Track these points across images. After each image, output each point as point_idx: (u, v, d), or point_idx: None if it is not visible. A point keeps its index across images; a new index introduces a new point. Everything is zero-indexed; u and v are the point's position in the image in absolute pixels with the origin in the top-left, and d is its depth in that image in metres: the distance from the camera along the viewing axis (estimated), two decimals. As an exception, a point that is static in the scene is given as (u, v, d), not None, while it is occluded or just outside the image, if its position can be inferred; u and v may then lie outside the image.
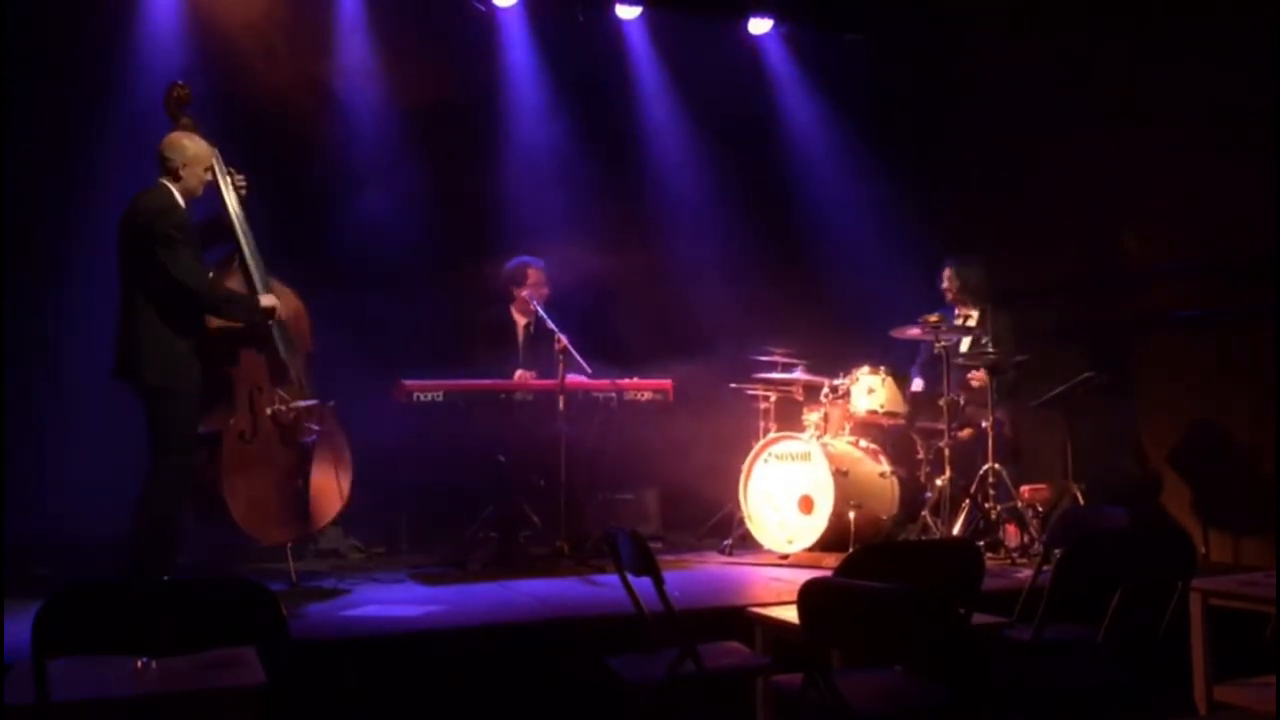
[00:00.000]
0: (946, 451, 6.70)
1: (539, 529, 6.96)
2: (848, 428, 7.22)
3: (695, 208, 8.50)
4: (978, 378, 7.08)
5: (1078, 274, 7.84)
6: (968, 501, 6.72)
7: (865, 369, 7.13)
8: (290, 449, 5.72)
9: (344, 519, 6.46)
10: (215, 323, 5.46)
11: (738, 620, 4.73)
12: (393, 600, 5.55)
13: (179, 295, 5.21)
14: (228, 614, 2.77)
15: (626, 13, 8.33)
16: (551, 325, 6.78)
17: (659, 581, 3.65)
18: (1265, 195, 6.42)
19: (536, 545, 6.87)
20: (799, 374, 7.28)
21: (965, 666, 2.83)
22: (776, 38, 8.77)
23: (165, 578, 4.85)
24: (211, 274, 5.56)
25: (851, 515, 6.69)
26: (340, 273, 7.03)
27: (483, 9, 7.87)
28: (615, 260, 7.73)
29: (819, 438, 7.02)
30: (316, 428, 5.73)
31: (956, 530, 6.64)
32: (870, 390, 7.10)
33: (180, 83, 5.74)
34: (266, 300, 5.61)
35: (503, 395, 6.75)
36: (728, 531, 7.23)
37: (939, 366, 6.94)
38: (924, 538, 6.61)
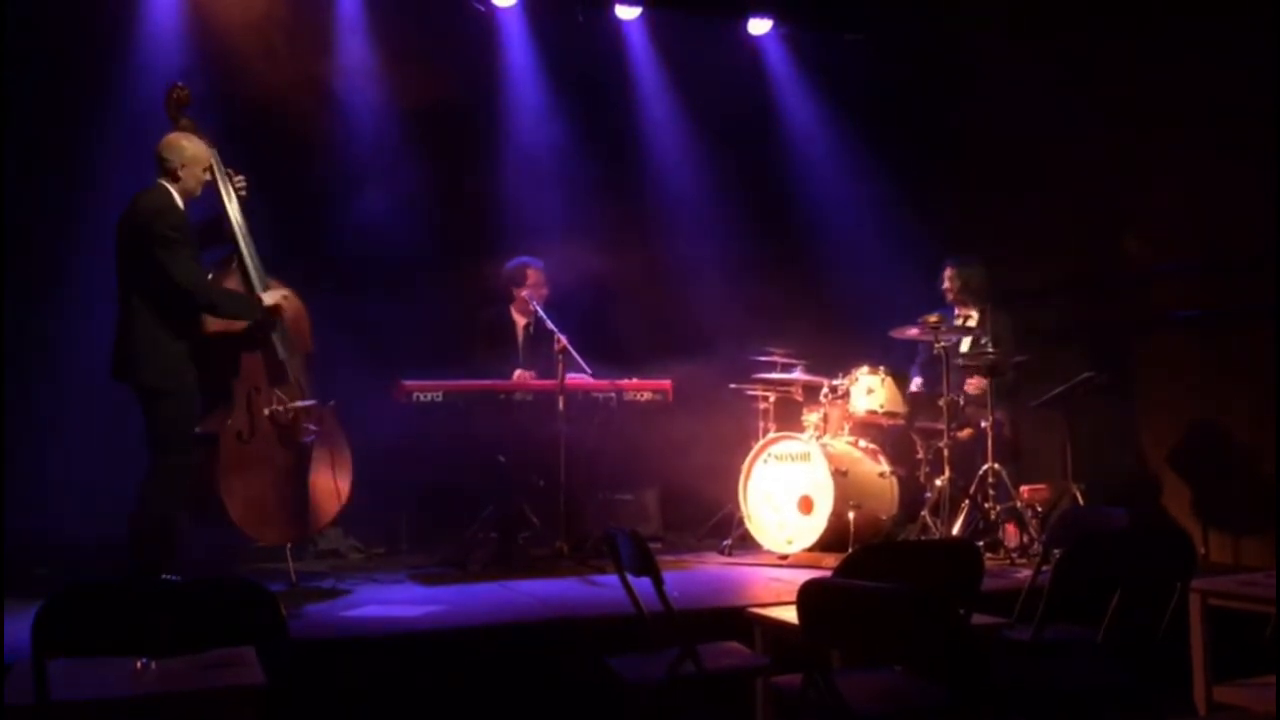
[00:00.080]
0: (946, 452, 6.70)
1: (539, 529, 6.96)
2: (847, 428, 7.22)
3: (695, 208, 8.50)
4: (974, 384, 7.08)
5: (1078, 274, 7.84)
6: (967, 502, 6.72)
7: (864, 369, 7.13)
8: (288, 449, 5.73)
9: (344, 519, 6.47)
10: (214, 324, 5.46)
11: (737, 620, 4.73)
12: (392, 600, 5.55)
13: (177, 296, 5.22)
14: (227, 614, 2.77)
15: (626, 13, 8.32)
16: (551, 325, 6.78)
17: (658, 582, 3.65)
18: (1265, 195, 6.42)
19: (536, 545, 6.87)
20: (798, 374, 7.28)
21: (965, 667, 2.83)
22: (776, 38, 8.77)
23: (165, 578, 4.86)
24: (210, 275, 5.57)
25: (851, 515, 6.69)
26: (340, 273, 7.04)
27: (482, 9, 7.87)
28: (615, 260, 7.73)
29: (818, 438, 7.03)
30: (314, 428, 5.73)
31: (956, 530, 6.64)
32: (870, 390, 7.09)
33: (180, 84, 5.75)
34: (269, 298, 5.62)
35: (502, 395, 6.75)
36: (727, 532, 7.23)
37: (938, 366, 6.94)
38: (923, 538, 6.61)
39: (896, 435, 7.35)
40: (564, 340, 6.66)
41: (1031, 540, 6.53)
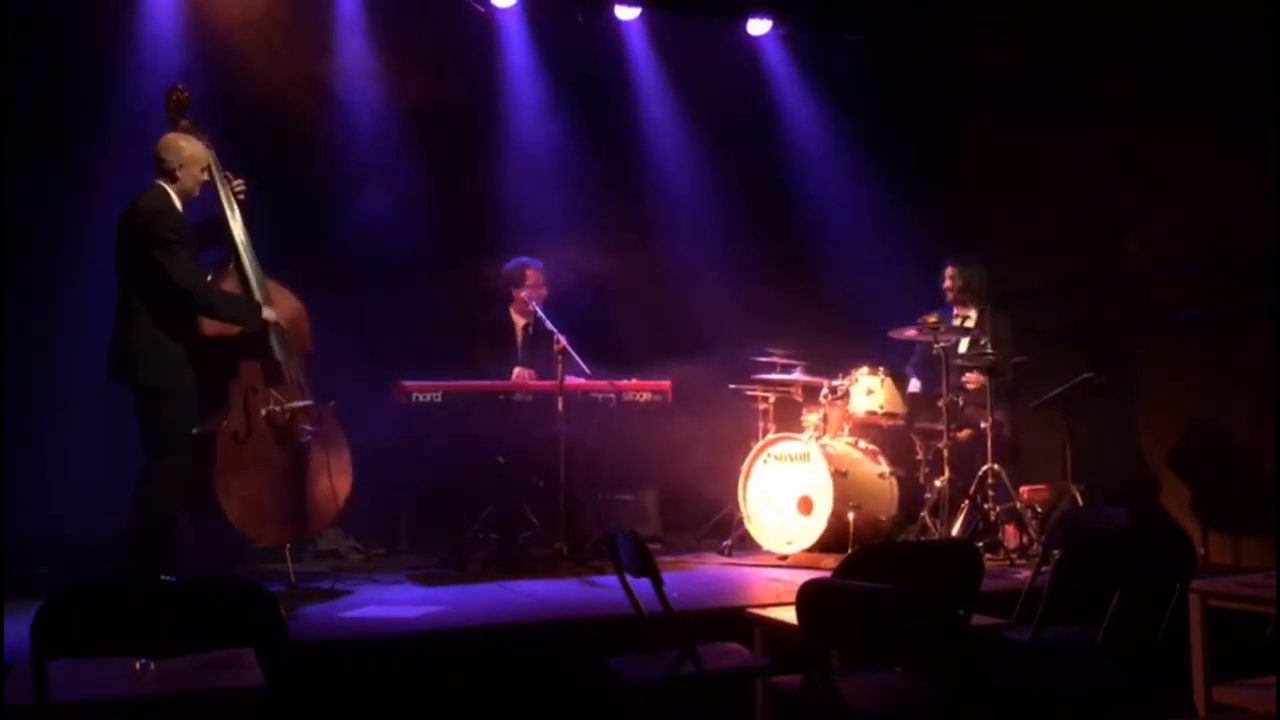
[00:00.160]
0: (945, 452, 6.71)
1: (538, 530, 6.96)
2: (847, 428, 7.22)
3: (694, 208, 8.50)
4: (973, 380, 7.08)
5: (1078, 274, 7.84)
6: (967, 502, 6.72)
7: (864, 370, 7.13)
8: (286, 450, 5.73)
9: (343, 520, 6.48)
10: (211, 325, 5.46)
11: (737, 621, 4.73)
12: (392, 601, 5.55)
13: (176, 296, 5.23)
14: (227, 615, 2.77)
15: (625, 13, 8.32)
16: (550, 326, 6.78)
17: (658, 582, 3.65)
18: (1265, 195, 6.42)
19: (536, 546, 6.87)
20: (798, 375, 7.28)
21: (965, 667, 2.83)
22: (775, 38, 8.77)
23: (164, 578, 4.86)
24: (209, 276, 5.58)
25: (850, 516, 6.69)
26: (340, 273, 7.04)
27: (481, 10, 7.86)
28: (614, 261, 7.73)
29: (818, 438, 7.03)
30: (311, 428, 5.73)
31: (956, 531, 6.64)
32: (869, 391, 7.09)
33: (180, 85, 5.77)
34: (268, 314, 5.63)
35: (502, 396, 6.75)
36: (727, 532, 7.23)
37: (935, 366, 6.95)
38: (923, 538, 6.61)
39: (896, 436, 7.35)
40: (563, 341, 6.66)
41: (1031, 541, 6.53)
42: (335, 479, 5.84)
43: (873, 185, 8.50)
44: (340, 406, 6.00)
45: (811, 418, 7.21)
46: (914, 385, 7.49)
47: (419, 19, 7.65)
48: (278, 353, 5.74)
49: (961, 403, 7.02)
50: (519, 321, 7.30)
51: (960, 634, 2.84)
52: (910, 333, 6.93)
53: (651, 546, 3.83)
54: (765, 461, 7.11)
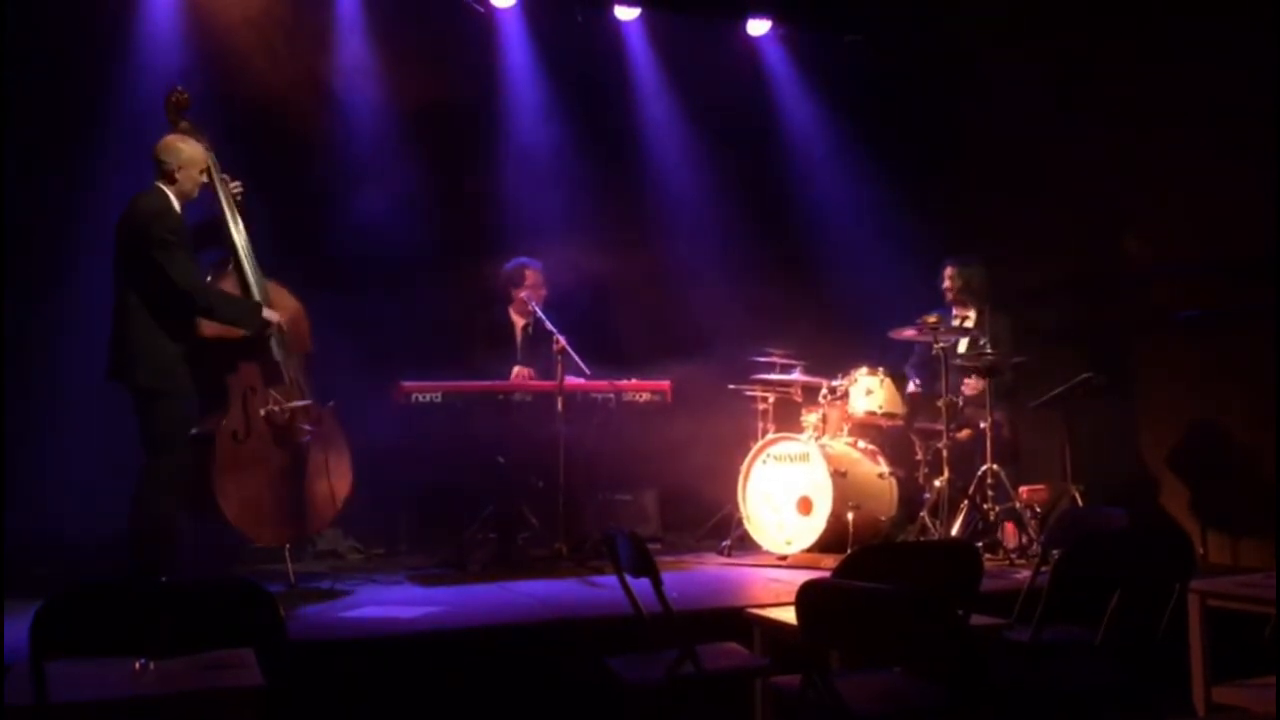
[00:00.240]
0: (945, 452, 6.71)
1: (538, 530, 6.96)
2: (846, 429, 7.22)
3: (694, 208, 8.49)
4: (971, 385, 7.08)
5: (1078, 274, 7.84)
6: (966, 502, 6.72)
7: (863, 370, 7.14)
8: (285, 450, 5.73)
9: (343, 520, 6.48)
10: (210, 326, 5.47)
11: (736, 621, 4.73)
12: (391, 601, 5.55)
13: (174, 298, 5.24)
14: (226, 615, 2.77)
15: (625, 14, 8.32)
16: (550, 326, 6.77)
17: (657, 582, 3.65)
18: (1265, 195, 6.42)
19: (535, 546, 6.87)
20: (797, 375, 7.29)
21: (964, 667, 2.83)
22: (775, 38, 8.77)
23: (163, 579, 4.86)
24: (208, 277, 5.59)
25: (850, 516, 6.69)
26: (339, 273, 7.03)
27: (481, 10, 7.86)
28: (614, 261, 7.74)
29: (817, 439, 7.03)
30: (310, 428, 5.73)
31: (955, 531, 6.64)
32: (868, 391, 7.10)
33: (179, 88, 5.78)
34: (268, 314, 5.63)
35: (501, 396, 6.75)
36: (726, 532, 7.23)
37: (934, 366, 6.95)
38: (922, 539, 6.61)
39: (895, 436, 7.35)
40: (563, 341, 6.66)
41: (1030, 541, 6.53)
42: (334, 479, 5.84)
43: (872, 185, 8.50)
44: (340, 407, 6.00)
45: (811, 418, 7.21)
46: (913, 385, 7.49)
47: (418, 19, 7.65)
48: (276, 353, 5.74)
49: (961, 403, 7.02)
50: (518, 322, 7.30)
51: (960, 634, 2.84)
52: (910, 333, 6.93)
53: (651, 547, 3.82)
54: (765, 462, 7.11)
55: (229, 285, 5.69)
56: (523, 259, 7.23)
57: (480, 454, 6.76)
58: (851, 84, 8.69)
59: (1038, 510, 6.70)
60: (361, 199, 7.30)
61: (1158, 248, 7.31)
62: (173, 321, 5.27)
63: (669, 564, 6.64)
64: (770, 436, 7.18)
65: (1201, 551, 6.82)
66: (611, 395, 6.88)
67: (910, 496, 7.12)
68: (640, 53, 8.50)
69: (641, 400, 6.97)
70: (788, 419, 7.37)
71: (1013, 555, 6.53)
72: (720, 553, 7.13)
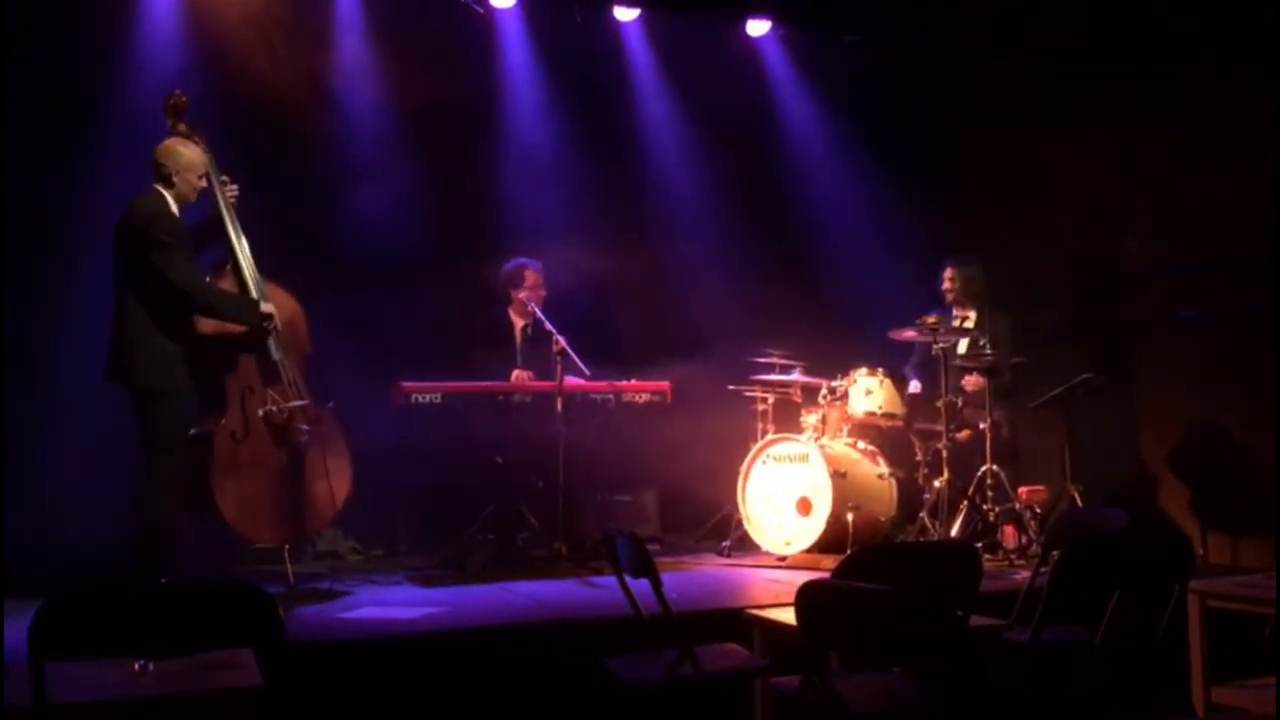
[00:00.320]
0: (944, 453, 6.71)
1: (537, 531, 6.96)
2: (846, 429, 7.22)
3: (693, 209, 8.49)
4: (972, 381, 7.09)
5: (1078, 274, 7.83)
6: (966, 503, 6.72)
7: (863, 370, 7.14)
8: (283, 450, 5.73)
9: (342, 521, 6.47)
10: (208, 325, 5.47)
11: (736, 622, 4.72)
12: (390, 602, 5.55)
13: (174, 298, 5.25)
14: (225, 616, 2.77)
15: (624, 14, 8.32)
16: (549, 327, 6.77)
17: (657, 583, 3.65)
18: (1265, 195, 6.41)
19: (535, 547, 6.87)
20: (797, 375, 7.29)
21: (963, 668, 2.83)
22: (774, 39, 8.77)
23: (163, 580, 4.86)
24: (207, 278, 5.59)
25: (850, 517, 6.69)
26: (339, 273, 7.03)
27: (480, 10, 7.86)
28: (613, 261, 7.74)
29: (817, 439, 7.03)
30: (308, 428, 5.73)
31: (955, 532, 6.64)
32: (868, 392, 7.10)
33: (178, 91, 5.79)
34: (266, 307, 5.64)
35: (501, 397, 6.75)
36: (726, 533, 7.23)
37: (934, 367, 6.95)
38: (922, 539, 6.61)
39: (895, 437, 7.34)
40: (562, 342, 6.66)
41: (1030, 541, 6.53)
42: (334, 480, 5.84)
43: (872, 185, 8.49)
44: (339, 407, 5.99)
45: (810, 418, 7.20)
46: (913, 386, 7.49)
47: (418, 19, 7.65)
48: (275, 352, 5.75)
49: (960, 403, 7.02)
50: (518, 322, 7.30)
51: (959, 635, 2.83)
52: (909, 334, 6.93)
53: (650, 547, 3.82)
54: (764, 462, 7.11)
55: (227, 286, 5.71)
56: (522, 259, 7.23)
57: (480, 455, 6.76)
58: (851, 84, 8.69)
59: (1037, 511, 6.70)
60: (361, 199, 7.30)
61: (1158, 248, 7.30)
62: (172, 322, 5.28)
63: (668, 564, 6.64)
64: (770, 437, 7.18)
65: (1201, 552, 6.82)
66: (611, 396, 6.88)
67: (910, 497, 7.12)
68: (640, 53, 8.50)
69: (641, 401, 6.96)
70: (787, 419, 7.37)
71: (1012, 556, 6.53)
72: (720, 553, 7.12)
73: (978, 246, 7.64)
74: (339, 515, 6.05)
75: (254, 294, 5.71)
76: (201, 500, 5.48)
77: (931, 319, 6.84)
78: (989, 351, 6.90)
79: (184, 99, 5.77)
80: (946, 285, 7.43)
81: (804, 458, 6.94)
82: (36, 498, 6.19)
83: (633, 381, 6.97)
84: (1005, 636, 4.21)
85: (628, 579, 3.87)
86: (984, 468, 6.69)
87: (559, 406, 6.63)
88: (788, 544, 6.89)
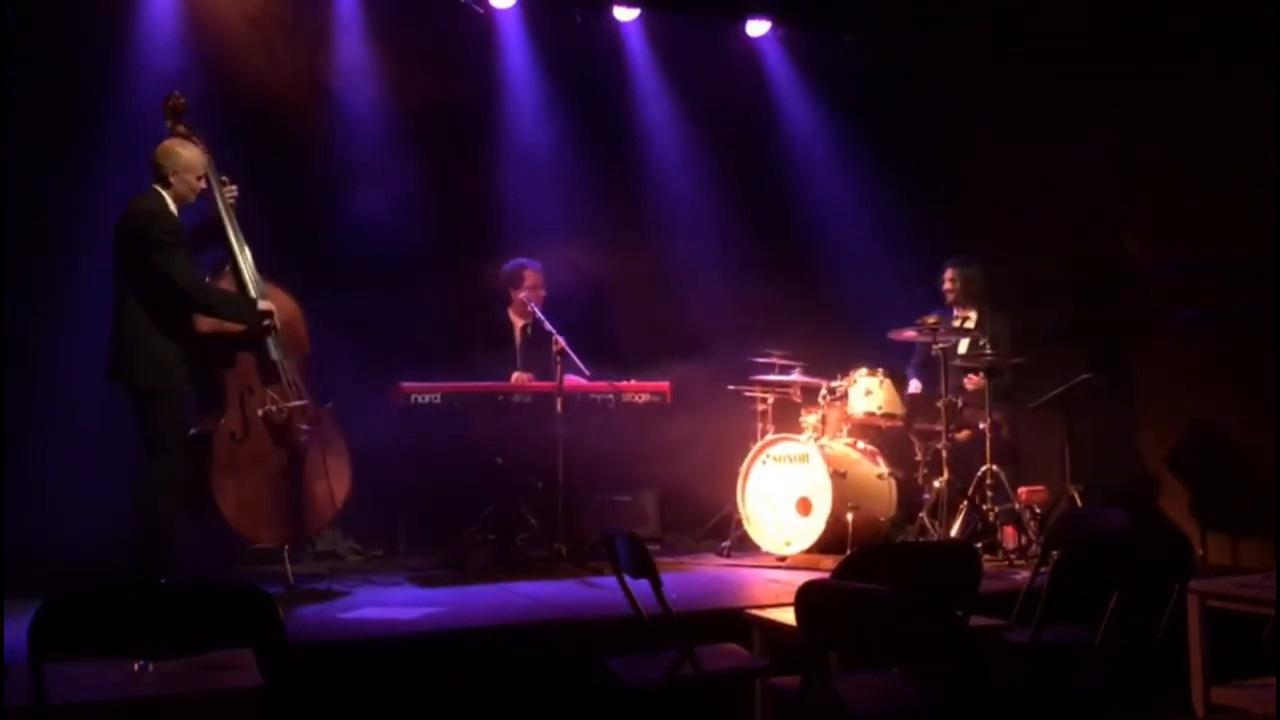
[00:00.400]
0: (944, 453, 6.71)
1: (537, 531, 6.96)
2: (845, 429, 7.23)
3: (693, 209, 8.49)
4: (973, 380, 7.09)
5: (1078, 274, 7.83)
6: (966, 503, 6.72)
7: (863, 371, 7.14)
8: (283, 450, 5.74)
9: (342, 521, 6.47)
10: (207, 325, 5.48)
11: (736, 622, 4.72)
12: (390, 602, 5.55)
13: (174, 297, 5.25)
14: (225, 616, 2.77)
15: (624, 14, 8.32)
16: (549, 327, 6.77)
17: (656, 583, 3.65)
18: (1265, 196, 6.41)
19: (534, 547, 6.87)
20: (796, 375, 7.29)
21: (963, 668, 2.83)
22: (774, 39, 8.77)
23: (163, 580, 4.87)
24: (206, 278, 5.60)
25: (849, 517, 6.69)
26: (339, 273, 7.03)
27: (480, 10, 7.86)
28: (613, 262, 7.73)
29: (817, 439, 7.02)
30: (308, 428, 5.74)
31: (954, 532, 6.64)
32: (868, 392, 7.10)
33: (176, 93, 5.80)
34: (264, 305, 5.64)
35: (500, 397, 6.74)
36: (726, 533, 7.23)
37: (934, 367, 6.94)
38: (922, 539, 6.61)
39: (895, 437, 7.34)
40: (562, 342, 6.66)
41: (1030, 542, 6.53)
42: (333, 480, 5.84)
43: (872, 185, 8.49)
44: (339, 407, 5.99)
45: (810, 419, 7.20)
46: (914, 386, 7.49)
47: (417, 19, 7.65)
48: (274, 352, 5.75)
49: (960, 404, 7.02)
50: (518, 322, 7.30)
51: (959, 635, 2.83)
52: (910, 334, 6.93)
53: (650, 547, 3.82)
54: (764, 462, 7.11)
55: (227, 286, 5.72)
56: (522, 260, 7.23)
57: (479, 455, 6.76)
58: (851, 84, 8.69)
59: (1037, 511, 6.70)
60: (361, 199, 7.30)
61: (1158, 248, 7.30)
62: (171, 322, 5.29)
63: (668, 565, 6.64)
64: (769, 437, 7.18)
65: (1201, 552, 6.82)
66: (611, 396, 6.88)
67: (910, 497, 7.13)
68: (639, 53, 8.50)
69: (641, 401, 6.96)
70: (787, 420, 7.37)
71: (1012, 556, 6.53)
72: (719, 553, 7.12)
73: (978, 246, 7.64)
74: (339, 515, 6.05)
75: (253, 294, 5.71)
76: (201, 500, 5.48)
77: (931, 319, 6.84)
78: (989, 352, 6.90)
79: (183, 100, 5.78)
80: (947, 286, 7.43)
81: (804, 458, 6.94)
82: (36, 498, 6.19)
83: (632, 382, 6.97)
84: (1005, 636, 4.21)
85: (627, 579, 3.87)
86: (984, 468, 6.69)
87: (559, 407, 6.63)
88: (787, 544, 6.89)
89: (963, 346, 7.25)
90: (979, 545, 6.39)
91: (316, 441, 5.76)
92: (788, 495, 6.94)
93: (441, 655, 4.69)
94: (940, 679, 3.33)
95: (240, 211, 5.85)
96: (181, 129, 5.70)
